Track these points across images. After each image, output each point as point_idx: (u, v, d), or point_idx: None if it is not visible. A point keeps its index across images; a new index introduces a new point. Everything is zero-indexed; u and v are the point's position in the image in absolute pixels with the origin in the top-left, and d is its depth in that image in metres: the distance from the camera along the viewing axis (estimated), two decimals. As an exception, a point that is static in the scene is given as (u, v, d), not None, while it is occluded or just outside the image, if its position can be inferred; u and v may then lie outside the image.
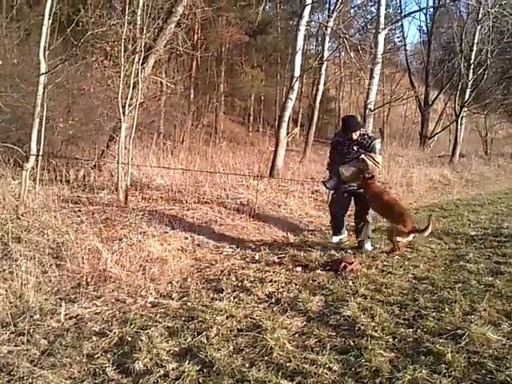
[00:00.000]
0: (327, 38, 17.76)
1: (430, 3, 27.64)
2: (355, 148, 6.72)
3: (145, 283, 5.09)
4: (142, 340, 3.78)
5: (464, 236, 7.87)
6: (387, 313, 4.47)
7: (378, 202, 6.75)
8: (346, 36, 15.44)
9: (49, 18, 7.13)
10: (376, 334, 3.98)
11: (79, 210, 7.07)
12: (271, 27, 27.62)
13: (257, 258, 6.35)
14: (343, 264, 5.72)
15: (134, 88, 8.52)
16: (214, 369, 3.42)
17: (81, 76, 11.57)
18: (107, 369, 3.40)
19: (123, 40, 8.30)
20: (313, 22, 22.10)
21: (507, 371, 3.44)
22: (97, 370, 3.39)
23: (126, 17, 8.30)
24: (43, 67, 7.08)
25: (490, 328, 4.08)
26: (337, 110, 32.66)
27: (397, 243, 6.50)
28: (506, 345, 3.86)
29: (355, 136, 6.68)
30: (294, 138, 22.58)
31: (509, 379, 3.33)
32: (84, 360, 3.50)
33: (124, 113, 8.40)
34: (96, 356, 3.57)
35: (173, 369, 3.43)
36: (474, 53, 20.79)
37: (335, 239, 7.07)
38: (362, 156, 6.65)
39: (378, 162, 6.65)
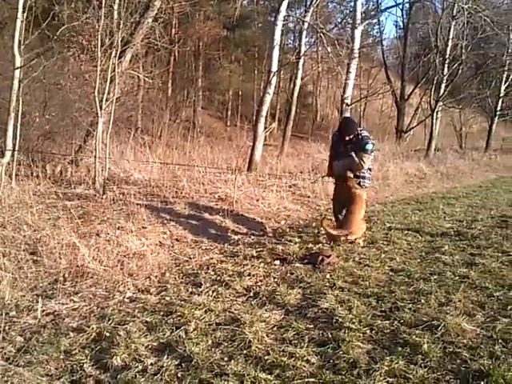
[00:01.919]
0: (304, 32, 17.82)
1: (407, -1, 27.78)
2: (349, 147, 6.86)
3: (123, 278, 5.06)
4: (120, 335, 3.77)
5: (439, 228, 7.98)
6: (364, 305, 4.52)
7: (345, 196, 6.89)
8: (323, 31, 15.49)
9: (23, 11, 7.05)
10: (353, 326, 4.01)
11: (56, 206, 7.01)
12: (249, 22, 27.58)
13: (235, 251, 6.36)
14: (321, 257, 5.75)
15: (111, 82, 8.48)
16: (193, 363, 3.43)
17: (57, 70, 11.42)
18: (85, 365, 3.38)
19: (100, 34, 8.24)
20: (290, 17, 22.19)
21: (481, 360, 3.51)
22: (74, 366, 3.37)
23: (103, 10, 8.24)
24: (18, 61, 7.01)
25: (465, 318, 4.16)
26: (314, 105, 32.74)
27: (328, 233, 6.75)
28: (480, 334, 3.94)
29: (348, 138, 6.86)
30: (272, 132, 22.57)
31: (482, 368, 3.40)
32: (61, 356, 3.47)
33: (101, 107, 8.37)
34: (73, 352, 3.54)
35: (151, 364, 3.43)
36: (449, 48, 21.01)
37: None
38: (352, 154, 6.78)
39: (363, 162, 6.73)
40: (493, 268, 5.73)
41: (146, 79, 12.07)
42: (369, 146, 6.74)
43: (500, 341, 3.81)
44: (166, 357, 3.49)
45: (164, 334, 3.83)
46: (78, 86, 10.96)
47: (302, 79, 20.29)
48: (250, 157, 12.47)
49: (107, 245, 5.72)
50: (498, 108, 27.81)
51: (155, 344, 3.71)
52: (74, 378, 3.27)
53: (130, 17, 9.01)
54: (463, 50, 20.44)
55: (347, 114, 17.04)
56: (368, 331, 3.97)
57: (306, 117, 31.00)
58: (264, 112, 12.92)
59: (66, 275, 4.95)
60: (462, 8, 18.22)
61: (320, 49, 26.95)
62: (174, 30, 22.84)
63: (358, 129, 6.98)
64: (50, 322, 4.05)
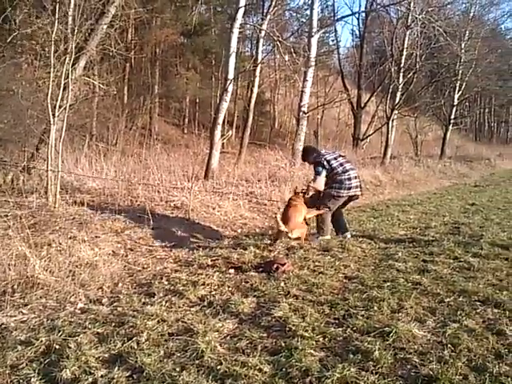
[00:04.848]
0: (261, 40, 17.89)
1: (362, 8, 28.23)
2: None
3: (74, 289, 4.97)
4: (70, 347, 3.69)
5: (394, 235, 8.10)
6: (318, 312, 4.54)
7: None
8: (280, 39, 15.58)
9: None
10: (306, 334, 4.02)
11: (6, 215, 6.85)
12: (207, 29, 27.55)
13: (190, 260, 6.32)
14: (275, 265, 5.76)
15: (64, 89, 8.34)
16: (144, 374, 3.38)
17: (10, 77, 11.21)
18: (32, 379, 3.29)
19: (54, 40, 8.11)
20: (247, 25, 22.27)
21: (430, 365, 3.56)
22: (21, 381, 3.28)
23: (57, 16, 8.11)
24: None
25: (416, 325, 4.22)
26: (272, 113, 32.88)
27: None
28: (431, 340, 4.00)
29: (308, 164, 8.43)
30: (230, 140, 22.61)
31: (431, 373, 3.46)
32: (7, 371, 3.37)
33: (54, 115, 8.21)
34: (20, 366, 3.45)
35: (102, 376, 3.36)
36: (403, 57, 21.50)
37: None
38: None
39: (314, 182, 7.63)
40: (444, 274, 5.84)
41: (101, 86, 11.88)
42: (316, 169, 7.59)
43: (449, 345, 3.88)
44: (116, 368, 3.43)
45: (115, 346, 3.77)
46: (30, 92, 10.76)
47: (259, 87, 20.33)
48: (206, 164, 12.45)
49: (59, 255, 5.62)
50: (452, 116, 28.57)
51: (106, 356, 3.64)
52: (21, 392, 3.19)
53: (84, 23, 8.89)
54: (418, 59, 20.92)
55: (304, 122, 17.26)
56: (321, 339, 3.98)
57: (263, 124, 31.07)
58: (221, 119, 12.94)
59: (15, 286, 4.83)
60: (416, 18, 18.68)
61: (277, 57, 27.13)
62: (130, 37, 22.67)
63: (323, 153, 7.86)
64: (-4, 335, 3.95)
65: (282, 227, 6.84)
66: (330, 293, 5.15)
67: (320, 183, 7.56)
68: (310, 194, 7.70)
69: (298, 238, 7.09)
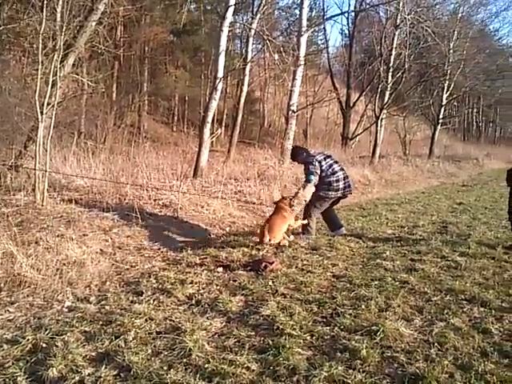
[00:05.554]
0: (251, 39, 17.85)
1: (352, 7, 28.24)
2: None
3: (62, 287, 4.96)
4: (57, 346, 3.68)
5: (382, 234, 8.14)
6: (306, 311, 4.56)
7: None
8: (270, 38, 15.55)
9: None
10: (294, 333, 4.04)
11: (-7, 213, 6.81)
12: (197, 27, 27.46)
13: (178, 259, 6.32)
14: (264, 264, 5.78)
15: (52, 86, 8.28)
16: (132, 373, 3.38)
17: (-3, 73, 11.13)
18: (18, 378, 3.28)
19: (42, 37, 8.06)
20: (237, 23, 22.23)
21: (417, 363, 3.60)
22: (7, 380, 3.27)
23: (45, 12, 8.05)
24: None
25: (403, 323, 4.27)
26: (261, 111, 32.83)
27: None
28: (418, 338, 4.04)
29: (297, 163, 8.50)
30: (219, 138, 22.59)
31: (418, 371, 3.49)
32: (-8, 370, 3.36)
33: (42, 112, 8.16)
34: (6, 365, 3.44)
35: (89, 374, 3.36)
36: (392, 57, 21.57)
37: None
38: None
39: (303, 190, 7.57)
40: (432, 273, 5.90)
41: (90, 83, 11.81)
42: (308, 177, 7.55)
43: (436, 344, 3.92)
44: (104, 367, 3.43)
45: (103, 344, 3.76)
46: (18, 89, 10.68)
47: (249, 85, 20.35)
48: (195, 163, 12.41)
49: (46, 253, 5.59)
50: (441, 116, 28.72)
51: (93, 354, 3.64)
52: (7, 392, 3.17)
53: (73, 20, 8.83)
54: (406, 59, 20.96)
55: (293, 121, 17.27)
56: (308, 337, 4.00)
57: (253, 123, 31.01)
58: (210, 118, 12.89)
59: (2, 285, 4.82)
60: (405, 18, 18.71)
61: (267, 55, 27.09)
62: (119, 34, 22.55)
63: (313, 154, 7.87)
64: (-18, 334, 3.92)
65: (266, 239, 6.94)
66: (317, 291, 5.17)
67: (309, 192, 7.56)
68: (296, 201, 7.73)
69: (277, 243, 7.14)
